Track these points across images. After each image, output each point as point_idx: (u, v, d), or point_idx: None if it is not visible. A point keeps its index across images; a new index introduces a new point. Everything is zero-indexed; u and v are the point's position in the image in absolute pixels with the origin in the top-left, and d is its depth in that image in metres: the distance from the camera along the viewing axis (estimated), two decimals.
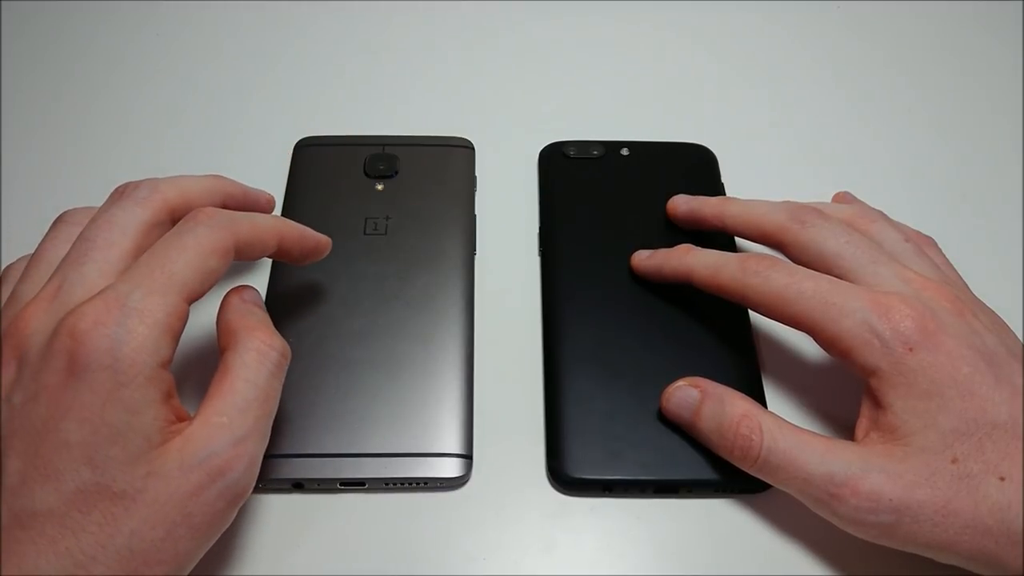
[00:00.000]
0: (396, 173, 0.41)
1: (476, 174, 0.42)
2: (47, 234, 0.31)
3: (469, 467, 0.33)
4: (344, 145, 0.42)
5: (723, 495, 0.33)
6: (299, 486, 0.32)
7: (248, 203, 0.35)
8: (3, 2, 0.51)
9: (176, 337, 0.27)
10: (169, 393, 0.26)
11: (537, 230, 0.41)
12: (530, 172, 0.43)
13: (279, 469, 0.32)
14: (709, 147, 0.43)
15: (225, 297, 0.30)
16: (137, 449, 0.25)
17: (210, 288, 0.28)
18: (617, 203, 0.41)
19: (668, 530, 0.32)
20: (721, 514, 0.32)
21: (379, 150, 0.42)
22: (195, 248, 0.28)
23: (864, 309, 0.29)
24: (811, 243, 0.33)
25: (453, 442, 0.33)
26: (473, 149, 0.43)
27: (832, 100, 0.48)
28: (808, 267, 0.32)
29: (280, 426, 0.33)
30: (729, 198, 0.37)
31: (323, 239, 0.34)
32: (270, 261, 0.38)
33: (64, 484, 0.24)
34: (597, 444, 0.33)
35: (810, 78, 0.49)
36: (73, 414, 0.24)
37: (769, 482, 0.30)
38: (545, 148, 0.43)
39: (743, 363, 0.35)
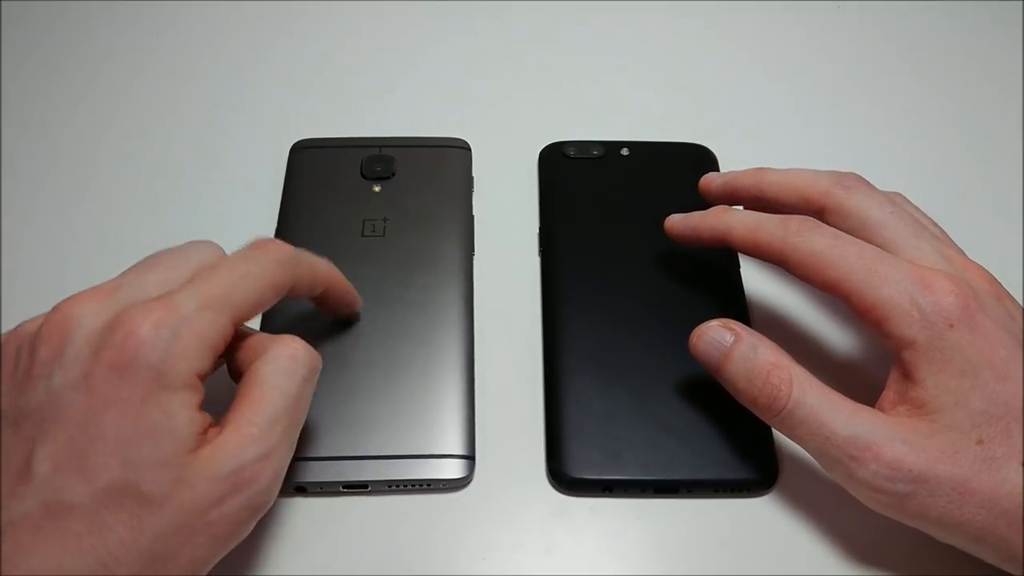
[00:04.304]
0: (393, 175, 0.41)
1: (474, 174, 0.42)
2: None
3: (472, 468, 0.33)
4: (341, 147, 0.42)
5: (723, 495, 0.33)
6: (301, 490, 0.32)
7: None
8: (3, 2, 0.51)
9: (216, 355, 0.27)
10: (200, 405, 0.26)
11: (537, 230, 0.41)
12: (530, 172, 0.43)
13: None
14: (709, 147, 0.43)
15: None
16: (169, 452, 0.25)
17: (255, 316, 0.29)
18: (617, 203, 0.41)
19: (668, 530, 0.32)
20: (721, 514, 0.32)
21: (376, 151, 0.42)
22: (258, 279, 0.28)
23: (907, 280, 0.29)
24: (856, 209, 0.32)
25: (455, 443, 0.33)
26: (470, 150, 0.43)
27: (832, 100, 0.48)
28: (848, 234, 0.31)
29: None
30: (765, 167, 0.36)
31: (357, 299, 0.35)
32: None
33: (96, 479, 0.24)
34: (597, 444, 0.33)
35: (810, 78, 0.49)
36: (113, 407, 0.24)
37: (786, 435, 0.30)
38: (545, 148, 0.43)
39: None
